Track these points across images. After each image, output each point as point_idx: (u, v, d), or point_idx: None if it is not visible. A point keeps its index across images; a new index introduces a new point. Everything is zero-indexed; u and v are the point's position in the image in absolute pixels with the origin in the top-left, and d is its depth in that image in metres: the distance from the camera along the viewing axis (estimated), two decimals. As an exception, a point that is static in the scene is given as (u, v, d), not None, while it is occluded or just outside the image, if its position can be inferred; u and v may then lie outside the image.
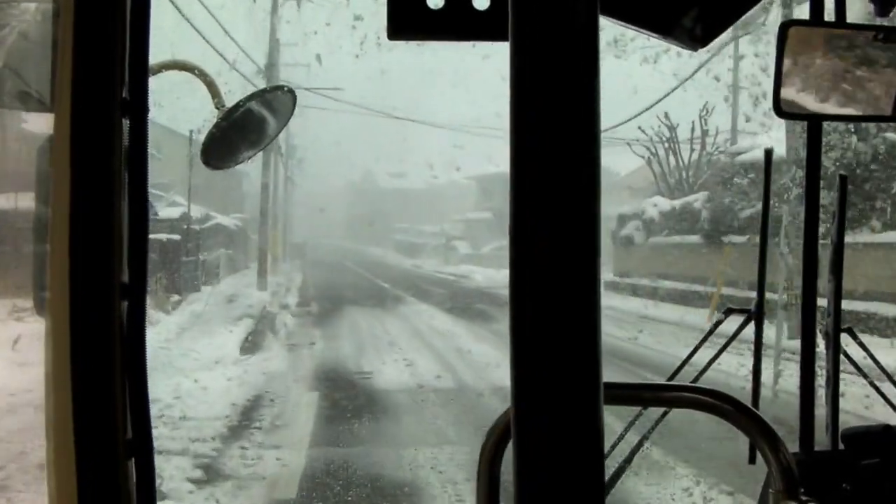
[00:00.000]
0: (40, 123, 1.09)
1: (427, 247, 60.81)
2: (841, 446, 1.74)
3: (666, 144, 29.80)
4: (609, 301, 23.09)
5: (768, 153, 2.05)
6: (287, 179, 45.12)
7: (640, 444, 2.12)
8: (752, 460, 1.73)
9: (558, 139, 0.71)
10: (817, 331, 1.84)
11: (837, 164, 15.92)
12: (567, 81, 0.70)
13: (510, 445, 1.27)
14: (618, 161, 37.92)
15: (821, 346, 1.89)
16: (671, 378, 2.10)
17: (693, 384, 1.30)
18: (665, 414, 2.08)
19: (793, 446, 1.64)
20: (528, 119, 0.71)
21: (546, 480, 0.69)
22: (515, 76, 0.71)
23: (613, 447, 1.97)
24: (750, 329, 2.10)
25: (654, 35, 1.30)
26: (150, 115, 1.06)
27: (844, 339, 1.98)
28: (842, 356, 1.93)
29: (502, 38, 0.87)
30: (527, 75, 0.71)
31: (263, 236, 28.15)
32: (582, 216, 0.71)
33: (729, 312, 2.19)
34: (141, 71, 1.03)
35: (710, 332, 2.25)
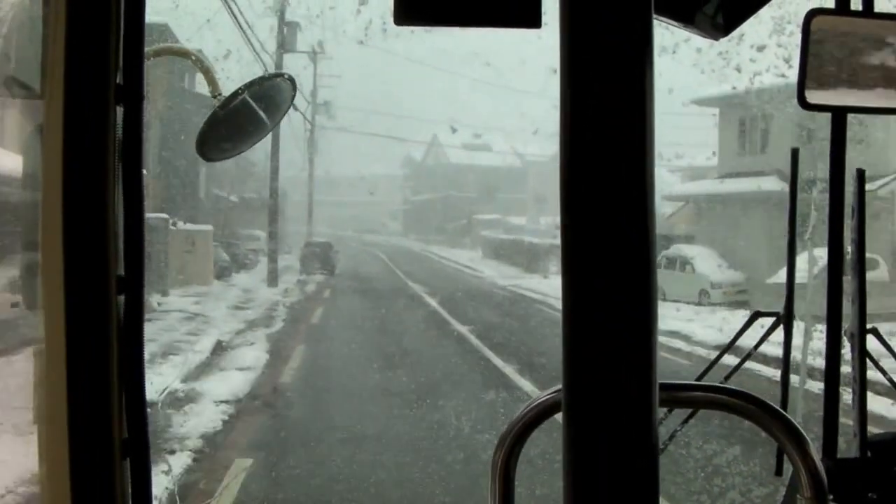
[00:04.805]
0: (29, 111, 1.03)
1: (556, 251, 26.65)
2: (867, 454, 1.69)
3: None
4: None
5: (794, 152, 2.00)
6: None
7: (665, 444, 2.06)
8: (779, 472, 1.66)
9: (612, 129, 0.69)
10: (842, 333, 1.78)
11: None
12: (621, 72, 0.69)
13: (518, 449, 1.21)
14: None
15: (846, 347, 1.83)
16: (699, 379, 2.04)
17: (719, 384, 1.25)
18: (692, 414, 2.03)
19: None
20: (580, 106, 0.69)
21: (599, 481, 0.70)
22: (567, 65, 0.69)
23: None
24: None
25: (676, 24, 1.25)
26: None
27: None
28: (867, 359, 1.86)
29: (516, 24, 0.82)
30: (578, 65, 0.69)
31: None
32: (637, 209, 0.69)
33: (756, 316, 2.15)
34: (136, 56, 0.99)
35: (739, 335, 2.19)
